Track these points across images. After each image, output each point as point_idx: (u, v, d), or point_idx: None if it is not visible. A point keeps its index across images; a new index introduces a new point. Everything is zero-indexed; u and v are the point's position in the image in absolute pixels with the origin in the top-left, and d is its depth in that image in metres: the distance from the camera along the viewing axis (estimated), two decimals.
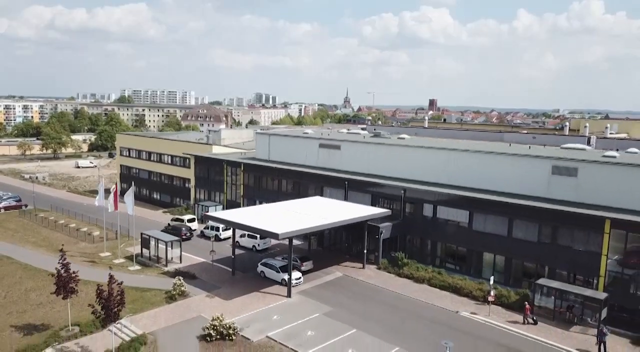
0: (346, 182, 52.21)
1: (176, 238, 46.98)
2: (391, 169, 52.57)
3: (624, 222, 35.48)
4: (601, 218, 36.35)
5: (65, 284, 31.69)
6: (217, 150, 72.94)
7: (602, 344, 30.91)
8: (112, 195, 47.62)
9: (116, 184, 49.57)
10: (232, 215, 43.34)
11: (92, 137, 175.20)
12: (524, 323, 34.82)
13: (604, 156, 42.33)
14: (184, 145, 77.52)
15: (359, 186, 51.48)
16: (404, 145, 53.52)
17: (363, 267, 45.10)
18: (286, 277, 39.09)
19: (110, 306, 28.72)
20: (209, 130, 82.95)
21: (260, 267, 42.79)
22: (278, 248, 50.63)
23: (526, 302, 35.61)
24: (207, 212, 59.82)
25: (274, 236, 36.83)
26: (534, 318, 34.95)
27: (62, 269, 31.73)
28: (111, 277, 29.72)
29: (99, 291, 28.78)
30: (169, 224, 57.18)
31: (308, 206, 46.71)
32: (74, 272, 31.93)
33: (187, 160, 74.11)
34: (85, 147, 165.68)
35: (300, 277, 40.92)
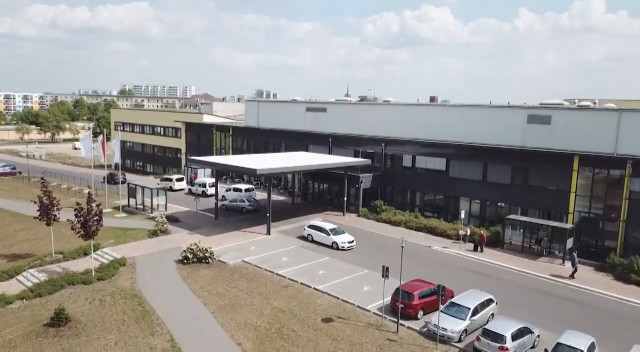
0: (330, 139, 53.37)
1: (161, 186, 48.12)
2: (374, 128, 53.49)
3: (592, 158, 36.67)
4: (570, 155, 37.52)
5: (47, 210, 32.90)
6: (207, 119, 74.14)
7: (573, 270, 32.23)
8: (99, 143, 48.74)
9: (103, 134, 50.45)
10: (214, 158, 44.57)
11: (90, 124, 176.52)
12: (474, 250, 36.85)
13: (579, 106, 43.38)
14: (176, 115, 78.73)
15: (342, 141, 52.64)
16: (386, 104, 54.63)
17: (343, 215, 46.22)
18: (337, 239, 36.58)
19: (88, 223, 29.89)
20: (202, 103, 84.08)
21: (307, 230, 38.84)
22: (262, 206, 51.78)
23: (483, 230, 38.24)
24: (197, 174, 61.14)
25: (252, 172, 38.02)
26: (482, 246, 36.95)
27: (44, 196, 32.95)
28: (90, 195, 30.89)
29: (77, 209, 29.91)
30: (157, 184, 58.42)
31: (290, 156, 47.93)
32: (55, 199, 33.12)
33: (179, 131, 75.35)
34: (83, 133, 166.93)
35: (353, 241, 36.97)
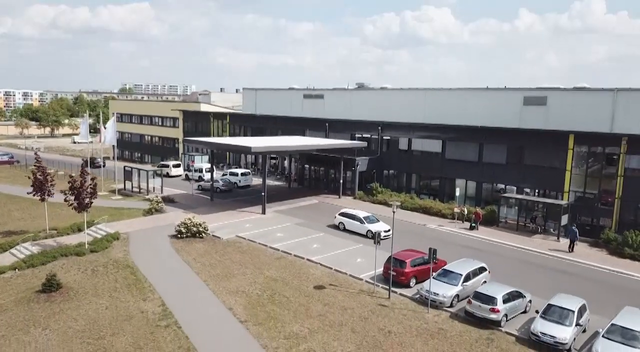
0: (327, 124, 53.33)
1: (159, 169, 48.14)
2: (371, 113, 53.58)
3: (587, 136, 36.62)
4: (565, 133, 37.46)
5: (41, 185, 32.87)
6: (205, 108, 74.13)
7: (572, 243, 32.51)
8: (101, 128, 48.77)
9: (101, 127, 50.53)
10: (211, 139, 44.58)
11: (90, 121, 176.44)
12: (470, 228, 36.66)
13: (575, 87, 43.35)
14: (173, 105, 78.72)
15: (339, 127, 52.57)
16: (382, 90, 54.61)
17: (339, 198, 46.17)
18: (372, 227, 33.14)
19: (82, 195, 29.86)
20: (199, 94, 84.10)
21: (338, 218, 35.85)
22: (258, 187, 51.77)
23: (477, 209, 38.15)
24: (194, 160, 61.11)
25: (247, 149, 38.01)
26: (476, 225, 36.91)
27: (38, 172, 32.92)
28: (83, 168, 30.87)
29: (71, 181, 29.89)
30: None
31: (286, 139, 47.91)
32: (49, 175, 33.11)
33: (177, 120, 75.36)
34: (83, 129, 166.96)
35: (389, 229, 33.09)
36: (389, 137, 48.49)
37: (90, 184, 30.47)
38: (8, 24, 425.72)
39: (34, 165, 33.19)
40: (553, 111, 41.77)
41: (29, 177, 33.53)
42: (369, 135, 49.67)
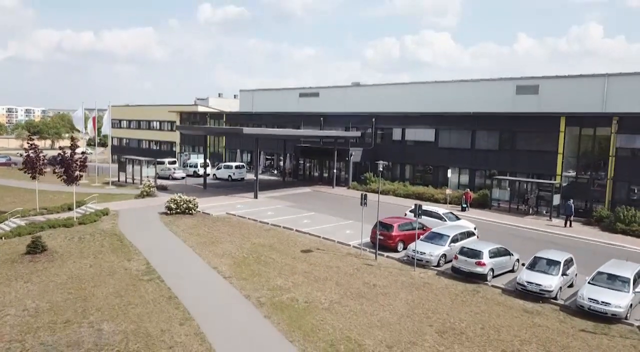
0: (321, 118, 53.52)
1: (152, 159, 48.21)
2: (365, 107, 53.86)
3: (578, 118, 36.69)
4: (557, 116, 37.53)
5: (33, 163, 32.92)
6: (202, 110, 74.52)
7: (568, 218, 32.66)
8: (90, 121, 49.01)
9: (94, 119, 50.69)
10: (203, 126, 44.62)
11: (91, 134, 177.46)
12: (462, 210, 36.56)
13: (566, 75, 43.67)
14: (170, 108, 79.15)
15: (333, 121, 52.67)
16: (377, 85, 55.03)
17: (333, 188, 46.10)
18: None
19: (71, 167, 29.87)
20: (198, 99, 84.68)
21: (410, 215, 28.52)
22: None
23: (467, 190, 38.43)
24: (189, 159, 61.25)
25: (239, 131, 38.13)
26: (467, 206, 37.06)
27: (30, 149, 33.01)
28: (73, 140, 30.95)
29: (60, 154, 29.95)
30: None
31: (280, 129, 48.09)
32: (42, 152, 33.20)
33: (174, 124, 75.64)
34: (84, 143, 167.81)
35: (476, 228, 28.40)
36: (382, 128, 48.59)
37: (80, 158, 30.51)
38: (14, 47, 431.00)
39: (27, 142, 33.27)
40: (545, 99, 42.01)
41: (21, 155, 33.59)
42: (363, 129, 49.79)
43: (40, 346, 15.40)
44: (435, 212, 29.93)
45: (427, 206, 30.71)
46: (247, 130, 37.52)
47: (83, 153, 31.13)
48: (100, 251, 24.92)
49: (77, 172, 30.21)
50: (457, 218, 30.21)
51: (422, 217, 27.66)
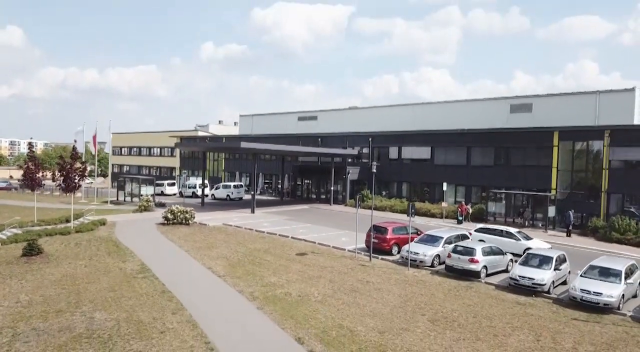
0: (319, 139, 54.17)
1: (151, 177, 48.62)
2: (363, 129, 54.55)
3: (570, 131, 37.23)
4: (550, 131, 38.08)
5: (33, 175, 33.34)
6: (202, 134, 75.38)
7: (568, 228, 33.17)
8: (91, 139, 49.72)
9: (94, 137, 51.45)
10: (205, 133, 45.10)
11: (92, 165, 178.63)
12: (458, 223, 36.60)
13: (559, 93, 44.53)
14: (171, 133, 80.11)
15: (331, 142, 53.32)
16: (373, 107, 55.97)
17: (330, 205, 46.32)
18: (532, 244, 25.50)
19: (70, 176, 30.22)
20: (198, 126, 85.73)
21: (475, 235, 27.06)
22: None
23: (462, 202, 38.94)
24: (188, 181, 61.67)
25: (237, 145, 38.63)
26: (462, 219, 37.33)
27: (30, 162, 33.51)
28: (74, 149, 31.42)
29: (60, 163, 30.36)
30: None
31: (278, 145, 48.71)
32: (41, 164, 33.65)
33: (174, 150, 76.42)
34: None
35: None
36: (379, 147, 49.13)
37: (80, 168, 30.90)
38: (20, 85, 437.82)
39: (27, 155, 33.76)
40: (539, 116, 42.68)
41: (20, 166, 34.01)
42: (360, 149, 50.34)
43: (31, 331, 15.41)
44: (507, 231, 26.76)
45: (489, 225, 29.55)
46: (245, 144, 38.07)
47: (83, 163, 31.51)
48: (96, 254, 25.01)
49: (75, 182, 30.51)
50: (529, 238, 26.66)
51: (485, 235, 26.62)
